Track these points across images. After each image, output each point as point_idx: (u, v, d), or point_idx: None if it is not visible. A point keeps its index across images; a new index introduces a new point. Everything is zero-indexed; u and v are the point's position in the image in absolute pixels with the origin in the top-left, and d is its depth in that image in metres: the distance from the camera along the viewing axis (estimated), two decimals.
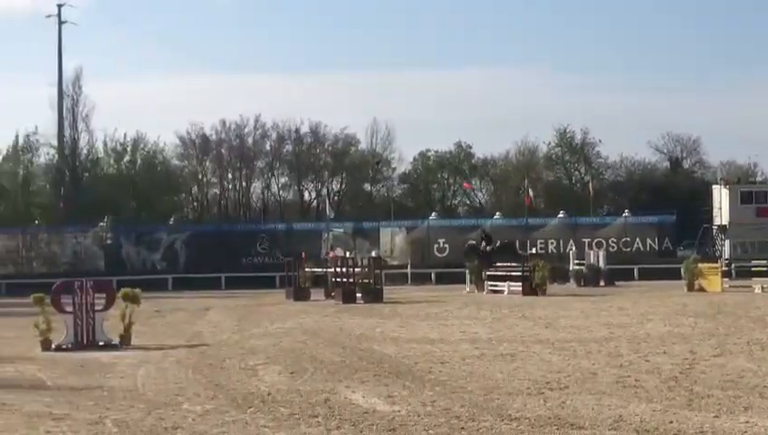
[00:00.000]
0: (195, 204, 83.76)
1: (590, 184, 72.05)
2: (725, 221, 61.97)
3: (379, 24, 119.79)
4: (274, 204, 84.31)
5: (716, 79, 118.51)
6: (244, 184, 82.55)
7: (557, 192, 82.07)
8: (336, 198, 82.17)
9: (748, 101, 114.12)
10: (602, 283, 49.70)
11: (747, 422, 12.45)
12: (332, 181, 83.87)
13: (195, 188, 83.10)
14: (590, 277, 50.35)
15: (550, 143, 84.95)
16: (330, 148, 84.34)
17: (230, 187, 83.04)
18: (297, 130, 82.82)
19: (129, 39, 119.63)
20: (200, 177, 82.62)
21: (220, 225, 70.00)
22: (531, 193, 68.44)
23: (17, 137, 76.49)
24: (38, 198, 76.45)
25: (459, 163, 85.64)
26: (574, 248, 57.22)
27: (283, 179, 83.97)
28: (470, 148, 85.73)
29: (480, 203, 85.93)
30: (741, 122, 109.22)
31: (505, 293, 43.79)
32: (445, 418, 13.08)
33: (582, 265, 52.22)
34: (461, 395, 14.98)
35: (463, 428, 12.38)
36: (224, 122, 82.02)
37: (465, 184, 79.03)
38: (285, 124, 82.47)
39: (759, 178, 78.31)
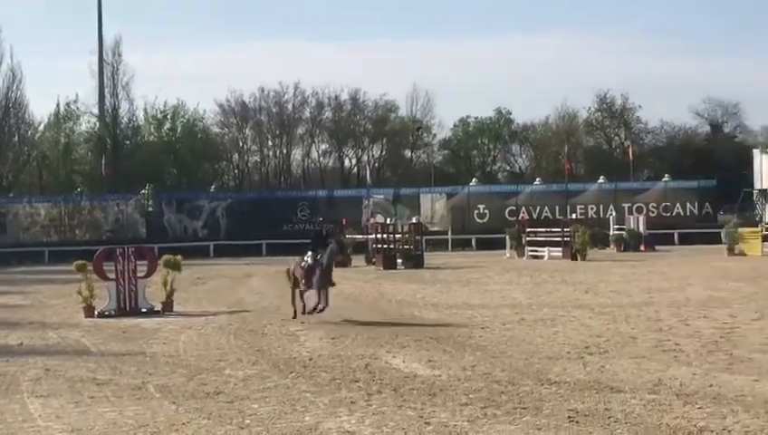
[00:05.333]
0: (235, 171, 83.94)
1: (630, 149, 71.58)
2: (766, 185, 61.40)
3: None
4: (315, 171, 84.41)
5: (756, 43, 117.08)
6: (284, 151, 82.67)
7: (597, 157, 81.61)
8: (376, 164, 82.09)
9: None
10: (642, 248, 49.45)
11: None
12: (373, 148, 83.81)
13: (235, 156, 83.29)
14: (631, 242, 50.12)
15: (589, 108, 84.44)
16: (370, 114, 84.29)
17: (270, 154, 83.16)
18: (337, 97, 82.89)
19: (168, 7, 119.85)
20: (240, 144, 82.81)
21: (261, 192, 70.14)
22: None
23: (58, 105, 76.97)
24: (80, 166, 76.95)
25: (499, 129, 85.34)
26: (614, 213, 57.02)
27: (323, 146, 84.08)
28: (510, 114, 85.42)
29: (520, 169, 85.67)
30: None
31: (545, 258, 43.81)
32: (485, 382, 13.16)
33: (623, 230, 52.01)
34: (501, 360, 15.06)
35: (503, 392, 12.44)
36: (263, 90, 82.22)
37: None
38: (325, 91, 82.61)
39: None
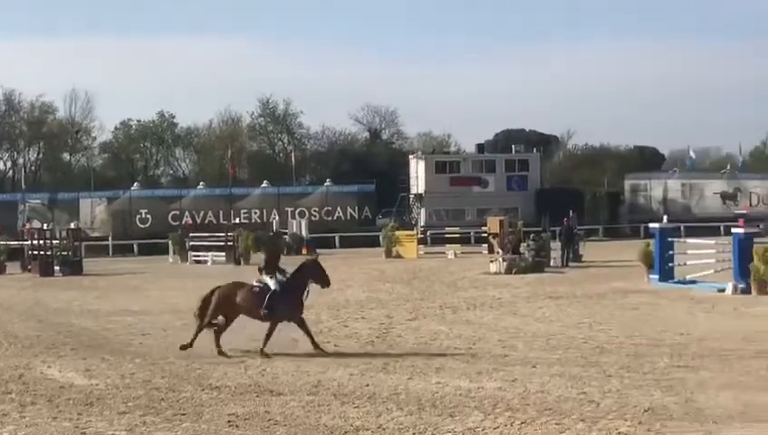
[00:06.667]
0: None
1: (293, 154, 72.83)
2: (421, 190, 64.09)
3: None
4: None
5: (413, 52, 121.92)
6: None
7: (261, 162, 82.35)
8: (33, 168, 79.24)
9: (445, 73, 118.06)
10: (304, 251, 50.32)
11: (438, 383, 13.02)
12: (29, 151, 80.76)
13: None
14: (293, 246, 50.91)
15: (253, 113, 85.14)
16: (26, 116, 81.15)
17: None
18: None
19: None
20: None
21: None
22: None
23: None
24: None
25: (162, 133, 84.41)
26: (278, 217, 57.81)
27: None
28: (173, 117, 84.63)
29: (184, 173, 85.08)
30: (437, 95, 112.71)
31: (209, 263, 43.80)
32: (144, 390, 12.99)
33: (285, 234, 52.78)
34: (162, 366, 14.91)
35: (163, 399, 12.32)
36: None
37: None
38: None
39: (453, 149, 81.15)
